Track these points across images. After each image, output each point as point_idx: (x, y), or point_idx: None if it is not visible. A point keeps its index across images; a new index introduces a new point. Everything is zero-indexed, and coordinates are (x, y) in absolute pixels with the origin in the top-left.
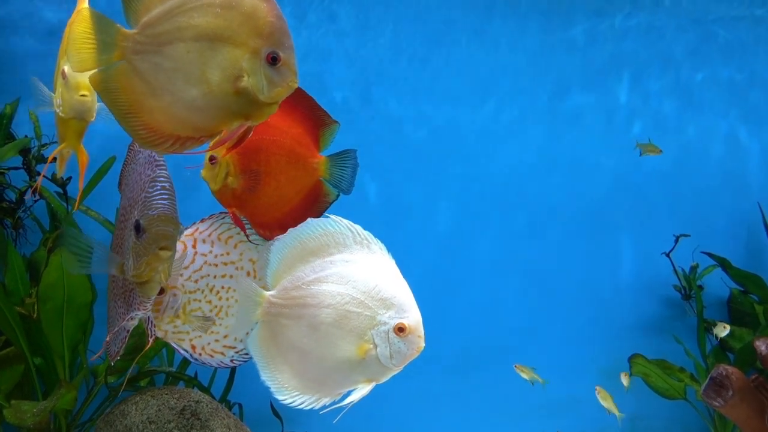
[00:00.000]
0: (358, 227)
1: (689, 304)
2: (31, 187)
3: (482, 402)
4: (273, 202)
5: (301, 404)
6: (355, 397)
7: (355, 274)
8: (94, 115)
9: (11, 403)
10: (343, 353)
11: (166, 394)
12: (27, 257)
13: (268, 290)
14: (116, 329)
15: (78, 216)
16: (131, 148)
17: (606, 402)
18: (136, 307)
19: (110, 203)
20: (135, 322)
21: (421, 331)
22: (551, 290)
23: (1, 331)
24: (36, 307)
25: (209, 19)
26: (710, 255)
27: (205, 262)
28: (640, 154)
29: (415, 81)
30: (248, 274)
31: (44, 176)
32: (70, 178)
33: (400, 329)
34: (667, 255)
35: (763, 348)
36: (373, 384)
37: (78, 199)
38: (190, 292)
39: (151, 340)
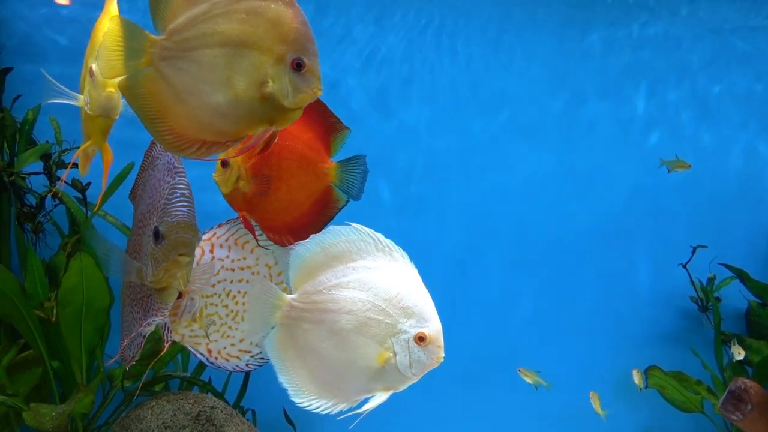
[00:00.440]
0: (380, 235)
1: (706, 316)
2: (51, 190)
3: (496, 412)
4: (283, 206)
5: (317, 408)
6: (372, 404)
7: (377, 281)
8: (119, 112)
9: (30, 406)
10: (363, 360)
11: (182, 399)
12: (46, 261)
13: (288, 293)
14: (133, 334)
15: (96, 221)
16: (148, 154)
17: (594, 403)
18: (154, 313)
19: (128, 209)
20: (152, 328)
21: (442, 342)
22: (566, 301)
23: (20, 335)
24: (55, 311)
25: (235, 25)
26: (728, 266)
27: (222, 267)
28: (669, 171)
29: (431, 89)
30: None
31: (64, 181)
32: (89, 184)
33: (421, 338)
34: (684, 266)
35: None
36: (391, 392)
37: (100, 198)
38: (207, 297)
39: (167, 346)
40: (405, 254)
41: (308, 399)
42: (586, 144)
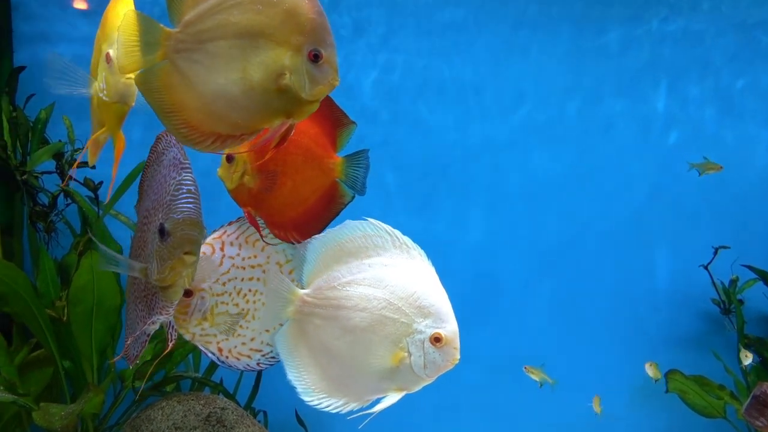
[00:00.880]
0: (398, 232)
1: (729, 319)
2: (62, 187)
3: (511, 417)
4: (289, 202)
5: (327, 407)
6: (384, 404)
7: (393, 279)
8: (135, 99)
9: (40, 405)
10: (376, 359)
11: (192, 400)
12: (58, 261)
13: (301, 288)
14: (137, 333)
15: (108, 220)
16: (153, 149)
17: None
18: (159, 311)
19: None
20: (156, 326)
21: (458, 343)
22: (584, 304)
23: (31, 334)
24: (66, 311)
25: (251, 17)
26: (751, 268)
27: (233, 265)
28: (699, 174)
29: (445, 88)
30: None
31: (75, 178)
32: (101, 183)
33: (437, 339)
34: (706, 267)
35: None
36: (404, 393)
37: (111, 187)
38: (218, 295)
39: (170, 345)
40: (422, 252)
41: (318, 398)
42: (604, 143)
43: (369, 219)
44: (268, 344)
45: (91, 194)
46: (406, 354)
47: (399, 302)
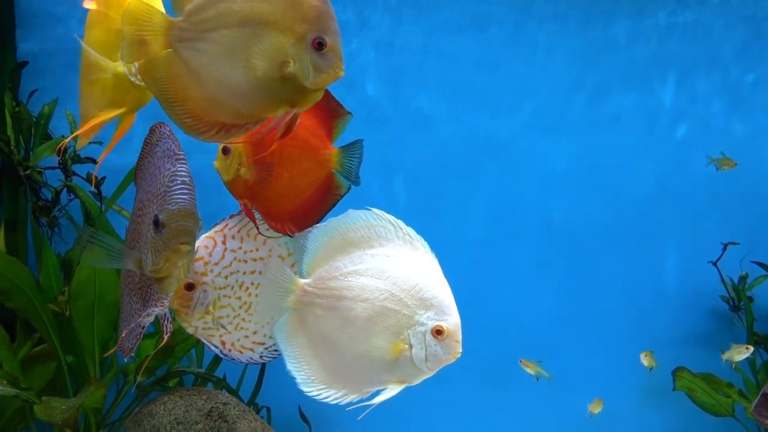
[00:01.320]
0: (401, 222)
1: (738, 316)
2: (67, 185)
3: (515, 415)
4: (285, 194)
5: (327, 398)
6: (383, 396)
7: (395, 270)
8: None
9: (42, 399)
10: (377, 351)
11: (194, 395)
12: (61, 256)
13: (302, 278)
14: (132, 325)
15: (111, 215)
16: (147, 141)
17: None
18: (154, 303)
19: None
20: (151, 319)
21: (459, 336)
22: (590, 300)
23: (35, 329)
24: (68, 305)
25: (254, 4)
26: (761, 264)
27: (235, 258)
28: (717, 169)
29: (450, 82)
30: None
31: (78, 175)
32: (104, 178)
33: (438, 332)
34: (714, 264)
35: None
36: (404, 386)
37: (100, 161)
38: (220, 288)
39: (166, 338)
40: (426, 244)
41: (317, 388)
42: (611, 137)
43: (373, 209)
44: (270, 337)
45: (94, 190)
46: (407, 346)
47: (401, 294)
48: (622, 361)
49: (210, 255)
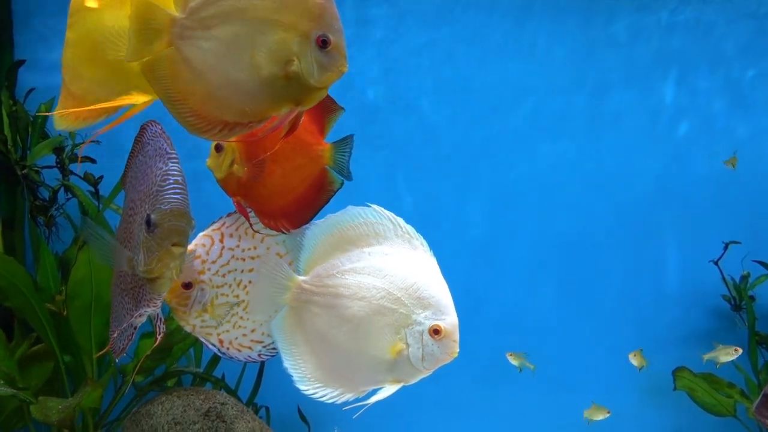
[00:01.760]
0: (401, 220)
1: (739, 316)
2: (65, 184)
3: (515, 415)
4: (278, 190)
5: (323, 397)
6: (380, 396)
7: (393, 269)
8: None
9: (38, 399)
10: (373, 350)
11: (192, 395)
12: (59, 255)
13: (300, 275)
14: (123, 326)
15: (108, 214)
16: (138, 140)
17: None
18: (146, 304)
19: None
20: (143, 319)
21: (457, 336)
22: (590, 300)
23: (32, 328)
24: (65, 305)
25: (257, 2)
26: (762, 263)
27: (233, 257)
28: (734, 168)
29: (449, 80)
30: None
31: (76, 174)
32: (101, 177)
33: (436, 331)
34: (716, 263)
35: None
36: (401, 385)
37: (97, 133)
38: (218, 287)
39: (159, 338)
40: (425, 242)
41: (314, 386)
42: (612, 135)
43: (372, 205)
44: (269, 335)
45: (92, 189)
46: (404, 345)
47: (398, 292)
48: (622, 361)
49: (207, 253)
